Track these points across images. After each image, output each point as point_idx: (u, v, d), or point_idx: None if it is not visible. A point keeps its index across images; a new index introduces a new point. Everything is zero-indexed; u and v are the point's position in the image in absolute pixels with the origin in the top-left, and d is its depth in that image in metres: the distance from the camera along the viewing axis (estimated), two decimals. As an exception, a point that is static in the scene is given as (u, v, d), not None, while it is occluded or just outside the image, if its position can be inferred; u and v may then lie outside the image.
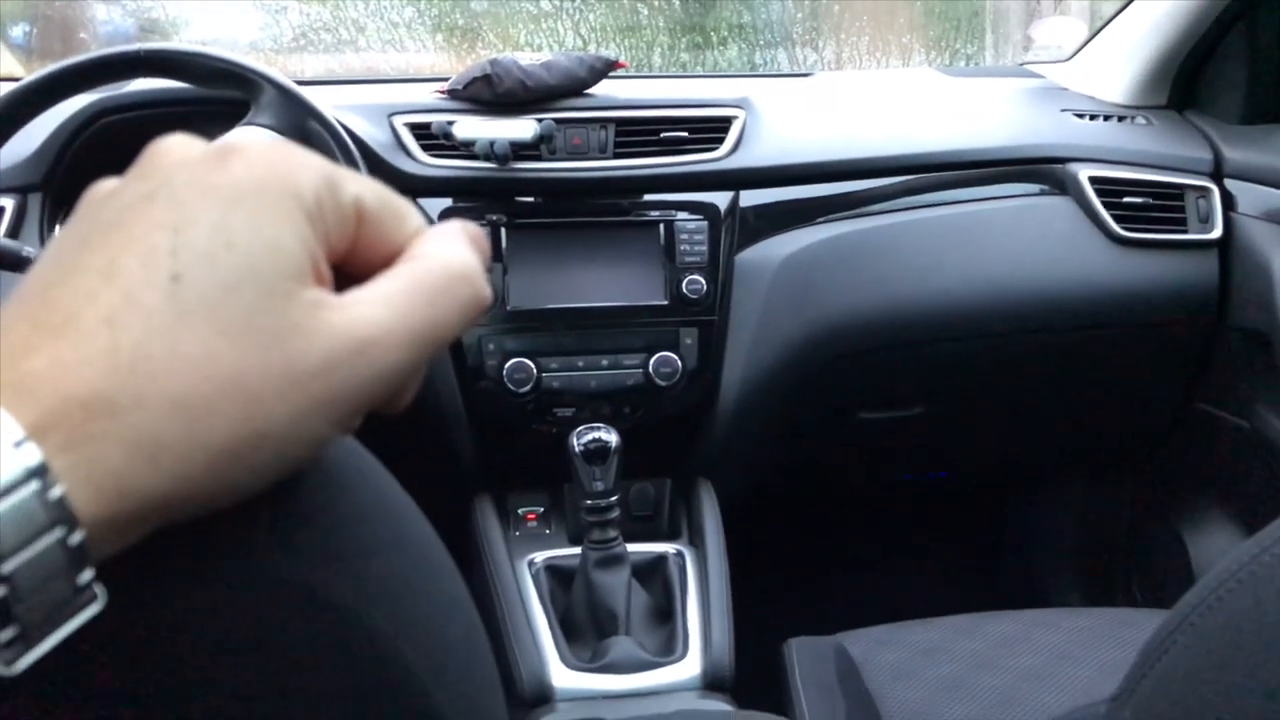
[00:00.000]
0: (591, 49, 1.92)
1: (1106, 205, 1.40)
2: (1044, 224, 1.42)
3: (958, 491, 1.91)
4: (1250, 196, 1.40)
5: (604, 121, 1.34)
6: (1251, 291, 1.38)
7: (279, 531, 0.29)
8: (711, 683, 1.17)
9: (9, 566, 0.22)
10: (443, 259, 0.29)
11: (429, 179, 1.29)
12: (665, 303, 1.31)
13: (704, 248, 1.32)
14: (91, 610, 0.24)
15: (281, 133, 1.13)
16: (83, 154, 1.24)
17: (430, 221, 0.31)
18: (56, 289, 0.25)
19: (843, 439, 1.57)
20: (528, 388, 1.29)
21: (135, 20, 2.04)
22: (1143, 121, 1.53)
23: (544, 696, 1.14)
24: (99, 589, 0.24)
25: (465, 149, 1.29)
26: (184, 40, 1.85)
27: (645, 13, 2.02)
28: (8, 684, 0.23)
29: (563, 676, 1.16)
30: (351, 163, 1.18)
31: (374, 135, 1.31)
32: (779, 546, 1.82)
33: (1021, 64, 1.84)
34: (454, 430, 1.34)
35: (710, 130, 1.37)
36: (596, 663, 1.17)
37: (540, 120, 1.29)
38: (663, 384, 1.31)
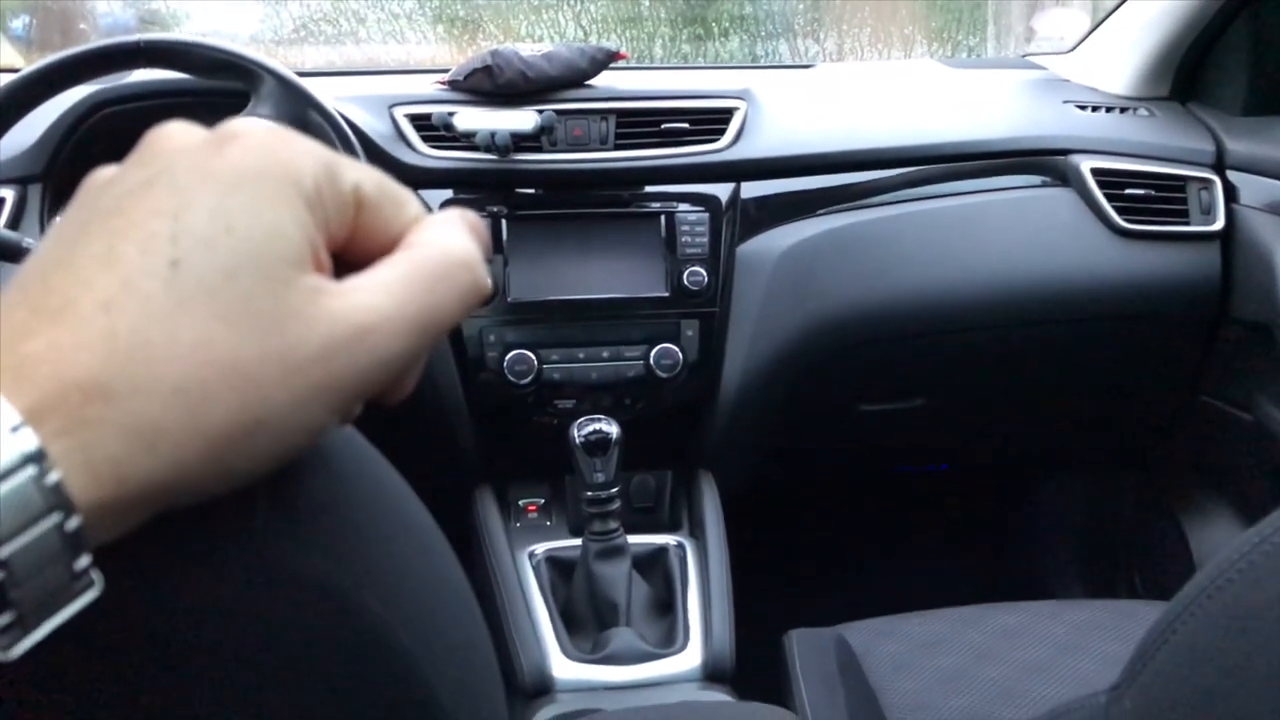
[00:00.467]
0: (593, 40, 1.92)
1: (1108, 197, 1.40)
2: (1046, 216, 1.42)
3: (959, 484, 1.91)
4: (1252, 188, 1.40)
5: (605, 113, 1.34)
6: (1253, 283, 1.37)
7: (277, 519, 0.29)
8: (712, 674, 1.17)
9: (5, 551, 0.22)
10: (442, 246, 0.29)
11: (429, 170, 1.29)
12: (666, 294, 1.31)
13: (705, 239, 1.32)
14: (88, 596, 0.24)
15: (281, 123, 1.13)
16: (83, 145, 1.24)
17: (430, 211, 0.31)
18: (55, 274, 0.25)
19: (843, 431, 1.57)
20: (528, 379, 1.28)
21: (135, 12, 2.04)
22: (1145, 113, 1.52)
23: (544, 687, 1.15)
24: (96, 575, 0.24)
25: (466, 140, 1.29)
26: (184, 32, 1.84)
27: (646, 4, 2.02)
28: (6, 670, 0.23)
29: (563, 667, 1.16)
30: (352, 154, 1.18)
31: (374, 126, 1.31)
32: (779, 538, 1.82)
33: (1023, 56, 1.84)
34: (455, 421, 1.34)
35: (711, 121, 1.37)
36: (597, 654, 1.17)
37: (541, 111, 1.29)
38: (664, 376, 1.31)
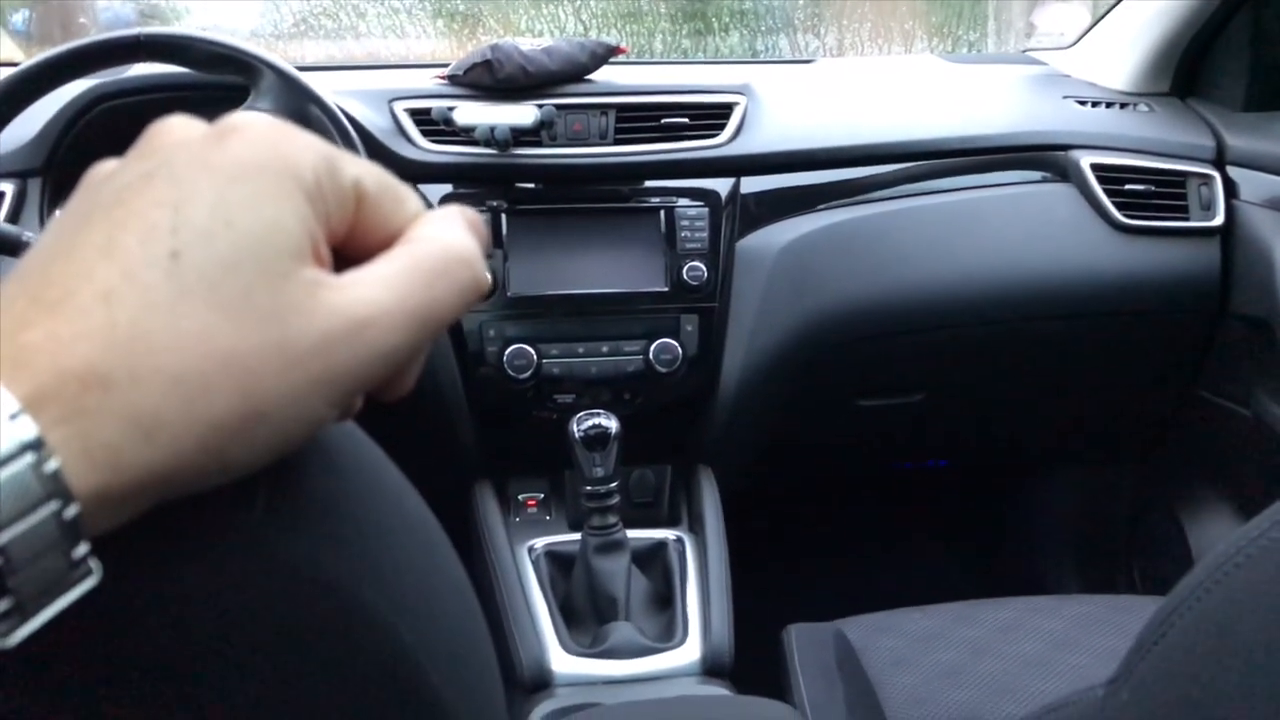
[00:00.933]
0: (593, 35, 1.92)
1: (1108, 192, 1.40)
2: (1045, 211, 1.42)
3: (957, 479, 1.91)
4: (1252, 184, 1.40)
5: (605, 107, 1.33)
6: (1253, 279, 1.37)
7: (277, 513, 0.29)
8: (711, 668, 1.17)
9: (4, 538, 0.22)
10: (441, 242, 0.29)
11: (429, 164, 1.29)
12: (666, 289, 1.31)
13: (705, 234, 1.32)
14: (87, 584, 0.24)
15: (281, 118, 1.12)
16: (83, 139, 1.24)
17: (430, 207, 0.31)
18: (55, 266, 0.25)
19: (842, 426, 1.57)
20: (528, 374, 1.28)
21: (135, 6, 2.04)
22: (1145, 108, 1.52)
23: (544, 682, 1.15)
24: (94, 563, 0.24)
25: (465, 134, 1.29)
26: (184, 26, 1.84)
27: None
28: (5, 660, 0.23)
29: (562, 662, 1.16)
30: (351, 148, 1.18)
31: (374, 121, 1.30)
32: (778, 533, 1.82)
33: (1024, 51, 1.84)
34: (454, 416, 1.34)
35: (711, 116, 1.36)
36: (596, 648, 1.17)
37: (541, 106, 1.29)
38: (663, 370, 1.31)
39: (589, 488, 1.21)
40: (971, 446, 1.73)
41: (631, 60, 1.70)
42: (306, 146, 0.27)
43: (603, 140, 1.33)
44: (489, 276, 0.31)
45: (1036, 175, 1.44)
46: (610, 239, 1.33)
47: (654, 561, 1.31)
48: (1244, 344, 1.42)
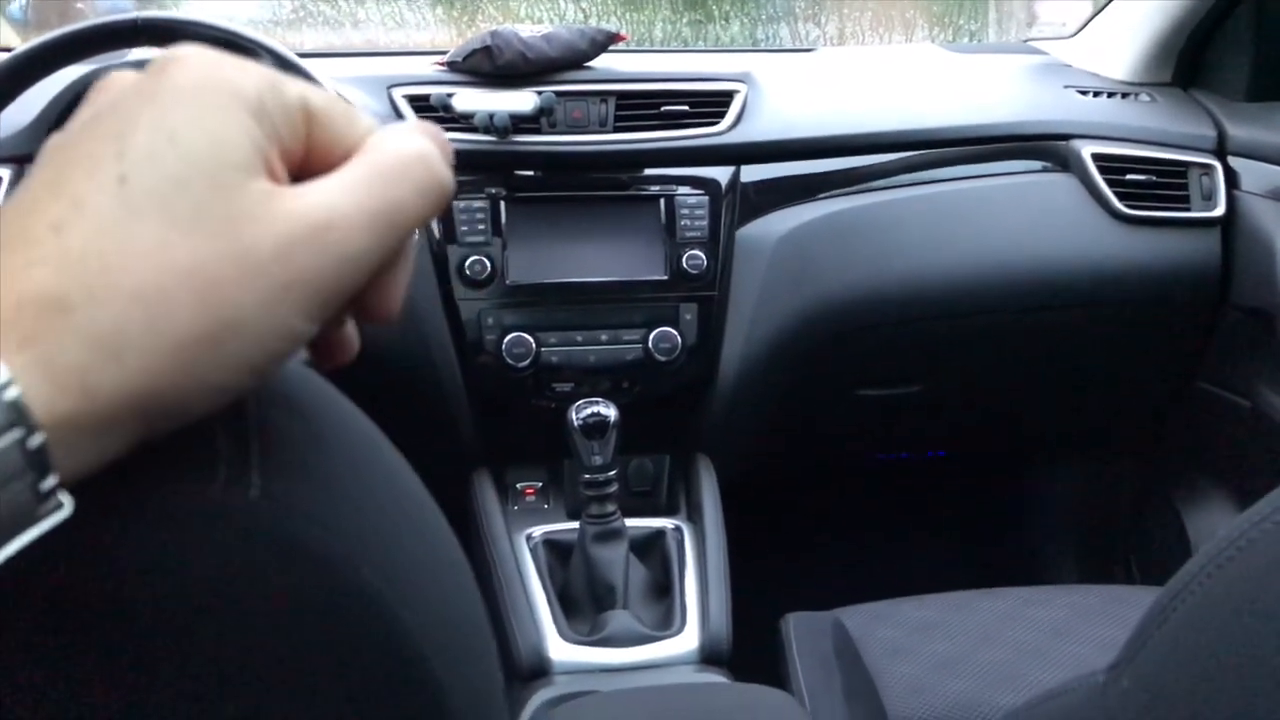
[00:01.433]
0: (592, 22, 1.91)
1: (1109, 182, 1.39)
2: (1046, 201, 1.41)
3: (956, 470, 1.91)
4: (1254, 174, 1.39)
5: (604, 94, 1.33)
6: (1254, 270, 1.37)
7: (271, 489, 0.28)
8: (709, 656, 1.17)
9: None
10: (397, 146, 0.29)
11: (428, 152, 1.28)
12: (665, 278, 1.31)
13: (704, 223, 1.32)
14: (57, 517, 0.24)
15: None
16: (80, 124, 1.24)
17: None
18: (9, 214, 0.25)
19: (841, 416, 1.57)
20: (526, 362, 1.28)
21: (133, -8, 2.03)
22: (1146, 98, 1.52)
23: (542, 670, 1.15)
24: (65, 497, 0.24)
25: (464, 121, 1.28)
26: (182, 11, 1.83)
27: (647, -13, 2.01)
28: None
29: (560, 650, 1.16)
30: None
31: (372, 107, 1.30)
32: (777, 523, 1.82)
33: (1025, 40, 1.83)
34: (453, 405, 1.34)
35: (711, 104, 1.36)
36: (594, 636, 1.17)
37: (540, 93, 1.28)
38: (662, 359, 1.31)
39: (587, 476, 1.21)
40: (971, 437, 1.73)
41: (631, 48, 1.69)
42: (246, 69, 0.27)
43: (602, 128, 1.32)
44: (450, 176, 0.31)
45: (1037, 165, 1.44)
46: (610, 227, 1.32)
47: (652, 550, 1.31)
48: (1244, 335, 1.42)
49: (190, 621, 0.27)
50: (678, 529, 1.32)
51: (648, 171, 1.33)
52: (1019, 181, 1.43)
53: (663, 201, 1.32)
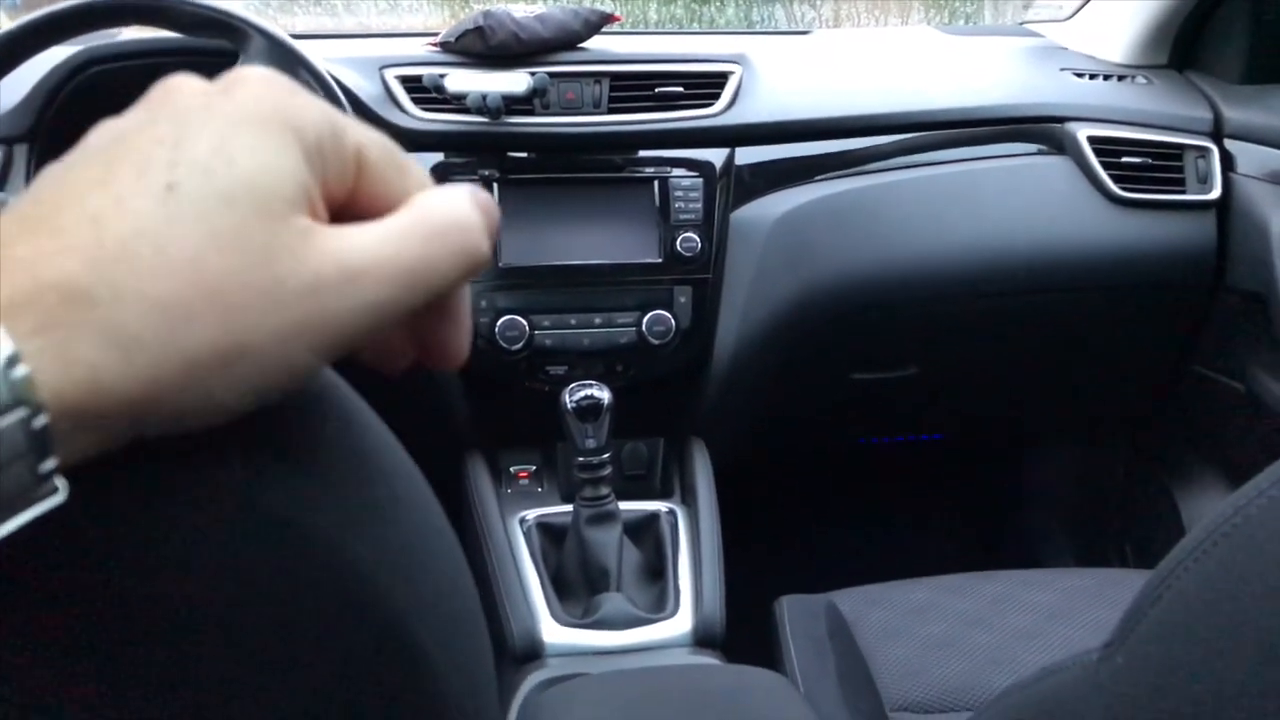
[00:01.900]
0: (586, 3, 1.90)
1: (1105, 165, 1.39)
2: (1041, 184, 1.41)
3: (951, 453, 1.91)
4: (1250, 157, 1.39)
5: (598, 76, 1.32)
6: (1249, 253, 1.37)
7: (257, 461, 0.28)
8: (702, 639, 1.17)
9: None
10: (443, 208, 0.29)
11: (420, 133, 1.28)
12: (659, 260, 1.30)
13: (699, 205, 1.31)
14: (52, 501, 0.23)
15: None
16: (69, 105, 1.23)
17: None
18: (47, 193, 0.25)
19: (836, 400, 1.57)
20: (520, 345, 1.28)
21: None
22: (1143, 81, 1.51)
23: (535, 652, 1.15)
24: (61, 482, 0.24)
25: (457, 102, 1.27)
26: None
27: (641, -32, 2.00)
28: None
29: (553, 632, 1.16)
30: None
31: (365, 88, 1.29)
32: (771, 506, 1.82)
33: (1021, 23, 1.83)
34: (446, 388, 1.33)
35: (706, 86, 1.35)
36: (588, 619, 1.17)
37: (534, 74, 1.27)
38: (656, 342, 1.30)
39: (581, 459, 1.20)
40: (965, 421, 1.73)
41: (626, 30, 1.68)
42: (311, 105, 0.27)
43: (596, 109, 1.32)
44: (487, 248, 0.31)
45: (1033, 148, 1.43)
46: (603, 209, 1.31)
47: (646, 533, 1.31)
48: (1239, 318, 1.42)
49: (176, 600, 0.26)
50: (671, 512, 1.32)
51: (642, 153, 1.32)
52: (1014, 164, 1.42)
53: (657, 184, 1.31)
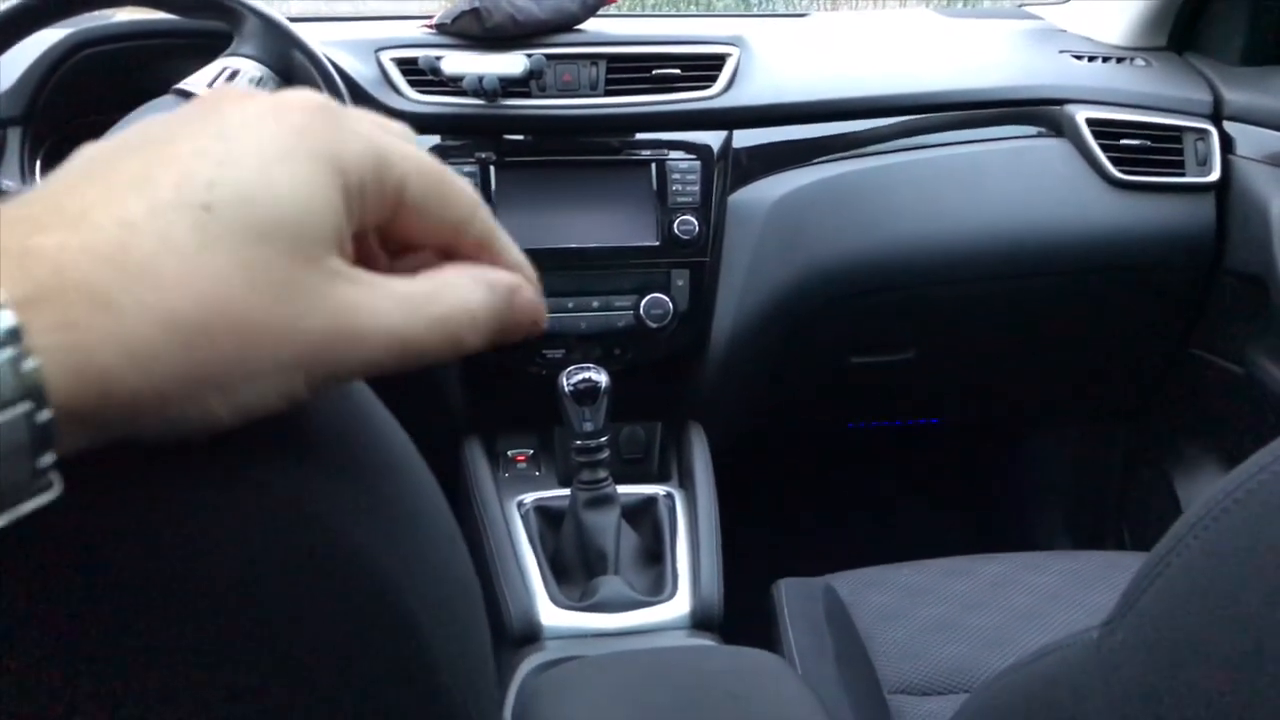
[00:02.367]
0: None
1: (1104, 147, 1.39)
2: (1040, 166, 1.40)
3: (949, 437, 1.91)
4: (1249, 139, 1.39)
5: (595, 58, 1.32)
6: (1248, 235, 1.37)
7: (268, 447, 0.28)
8: (700, 622, 1.17)
9: None
10: (455, 294, 0.30)
11: (416, 115, 1.27)
12: (656, 244, 1.30)
13: (696, 188, 1.31)
14: (45, 498, 0.23)
15: (264, 64, 1.11)
16: (63, 87, 1.22)
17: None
18: (83, 183, 0.25)
19: (833, 383, 1.57)
20: (517, 329, 1.27)
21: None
22: (1142, 63, 1.51)
23: (532, 635, 1.15)
24: (56, 477, 0.23)
25: (453, 85, 1.27)
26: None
27: (638, -49, 1.99)
28: None
29: (551, 615, 1.16)
30: (337, 97, 1.16)
31: (360, 71, 1.28)
32: (769, 489, 1.82)
33: (1019, 5, 1.82)
34: (442, 372, 1.33)
35: (703, 68, 1.35)
36: (585, 602, 1.17)
37: (530, 55, 1.27)
38: (653, 326, 1.30)
39: (579, 442, 1.20)
40: (963, 404, 1.72)
41: (623, 12, 1.67)
42: (358, 140, 0.27)
43: (593, 91, 1.31)
44: (482, 344, 0.32)
45: (1031, 130, 1.43)
46: (600, 192, 1.31)
47: (644, 517, 1.31)
48: (1237, 300, 1.41)
49: (163, 574, 0.26)
50: (669, 495, 1.32)
51: (639, 136, 1.32)
52: (1013, 147, 1.42)
53: (654, 166, 1.31)
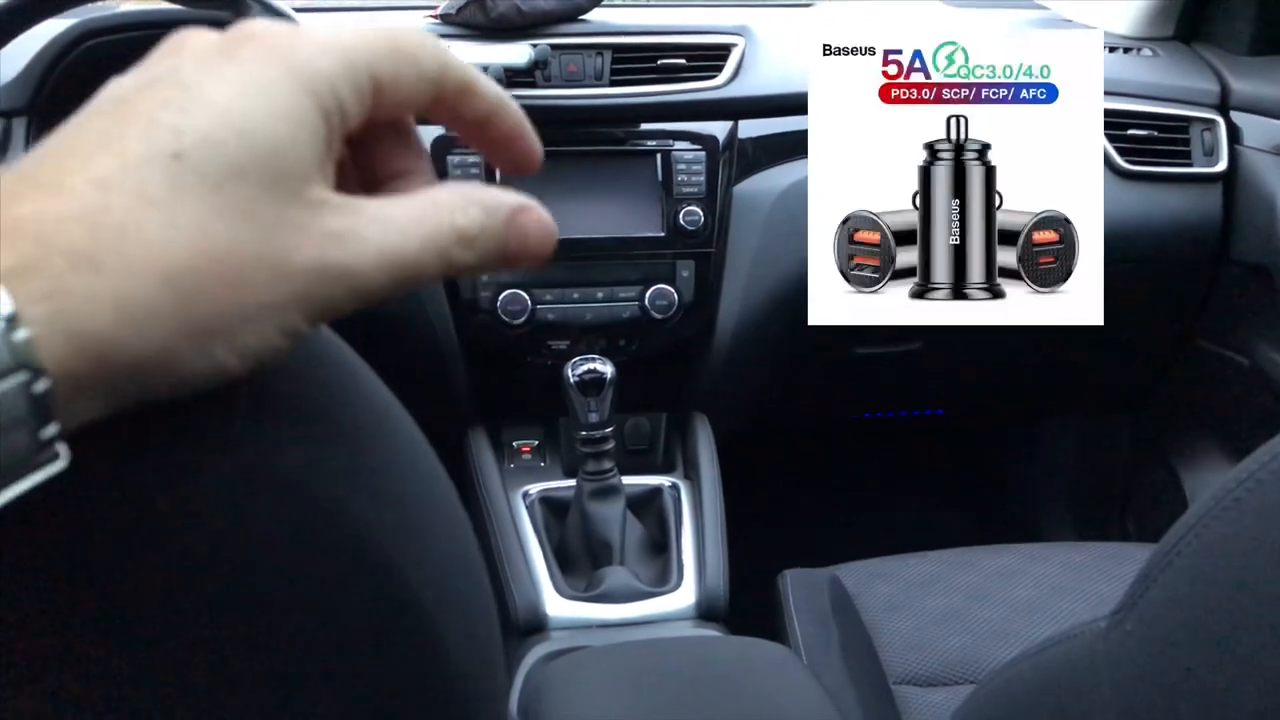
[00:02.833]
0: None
1: (1111, 138, 1.38)
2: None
3: (954, 428, 1.91)
4: (1257, 129, 1.38)
5: (600, 48, 1.31)
6: (1255, 226, 1.36)
7: (268, 422, 0.28)
8: (706, 612, 1.17)
9: None
10: (451, 216, 0.29)
11: (421, 106, 1.27)
12: (662, 234, 1.30)
13: (701, 178, 1.30)
14: (53, 468, 0.23)
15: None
16: (68, 77, 1.22)
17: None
18: (52, 154, 0.24)
19: (839, 374, 1.56)
20: (522, 320, 1.27)
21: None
22: (1149, 53, 1.50)
23: (538, 625, 1.15)
24: (62, 448, 0.23)
25: (458, 75, 1.26)
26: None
27: (643, -59, 1.98)
28: None
29: (557, 605, 1.16)
30: None
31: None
32: (774, 480, 1.82)
33: (1026, -5, 1.81)
34: (448, 363, 1.33)
35: (709, 58, 1.34)
36: (591, 592, 1.17)
37: (535, 45, 1.27)
38: (659, 317, 1.30)
39: (584, 433, 1.20)
40: (969, 395, 1.72)
41: (628, 2, 1.67)
42: (323, 52, 0.27)
43: (598, 81, 1.31)
44: (472, 266, 0.31)
45: (1038, 120, 1.42)
46: (605, 183, 1.31)
47: (649, 507, 1.31)
48: (1244, 291, 1.41)
49: (163, 552, 0.26)
50: (674, 486, 1.32)
51: (644, 126, 1.32)
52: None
53: (659, 157, 1.30)
